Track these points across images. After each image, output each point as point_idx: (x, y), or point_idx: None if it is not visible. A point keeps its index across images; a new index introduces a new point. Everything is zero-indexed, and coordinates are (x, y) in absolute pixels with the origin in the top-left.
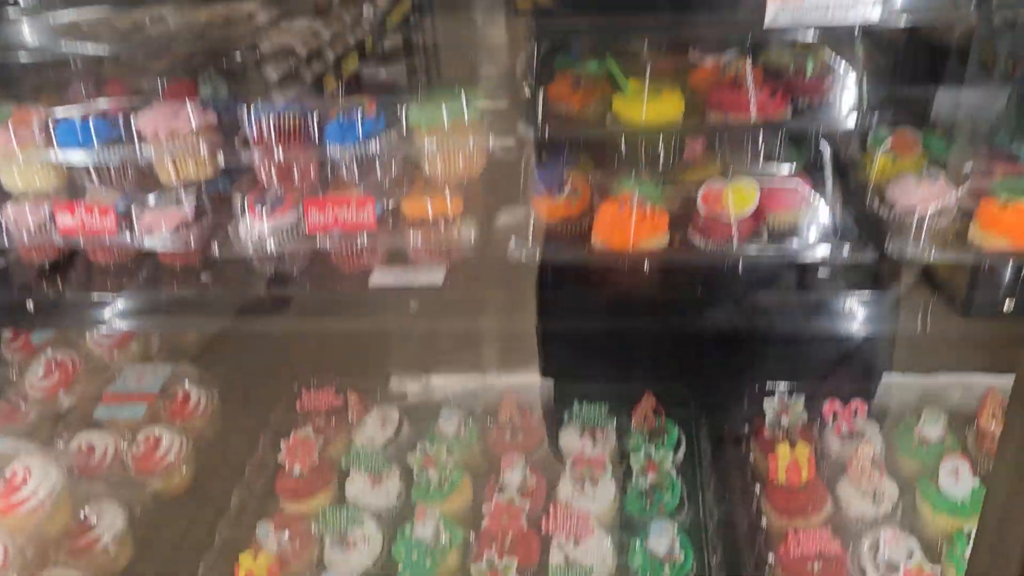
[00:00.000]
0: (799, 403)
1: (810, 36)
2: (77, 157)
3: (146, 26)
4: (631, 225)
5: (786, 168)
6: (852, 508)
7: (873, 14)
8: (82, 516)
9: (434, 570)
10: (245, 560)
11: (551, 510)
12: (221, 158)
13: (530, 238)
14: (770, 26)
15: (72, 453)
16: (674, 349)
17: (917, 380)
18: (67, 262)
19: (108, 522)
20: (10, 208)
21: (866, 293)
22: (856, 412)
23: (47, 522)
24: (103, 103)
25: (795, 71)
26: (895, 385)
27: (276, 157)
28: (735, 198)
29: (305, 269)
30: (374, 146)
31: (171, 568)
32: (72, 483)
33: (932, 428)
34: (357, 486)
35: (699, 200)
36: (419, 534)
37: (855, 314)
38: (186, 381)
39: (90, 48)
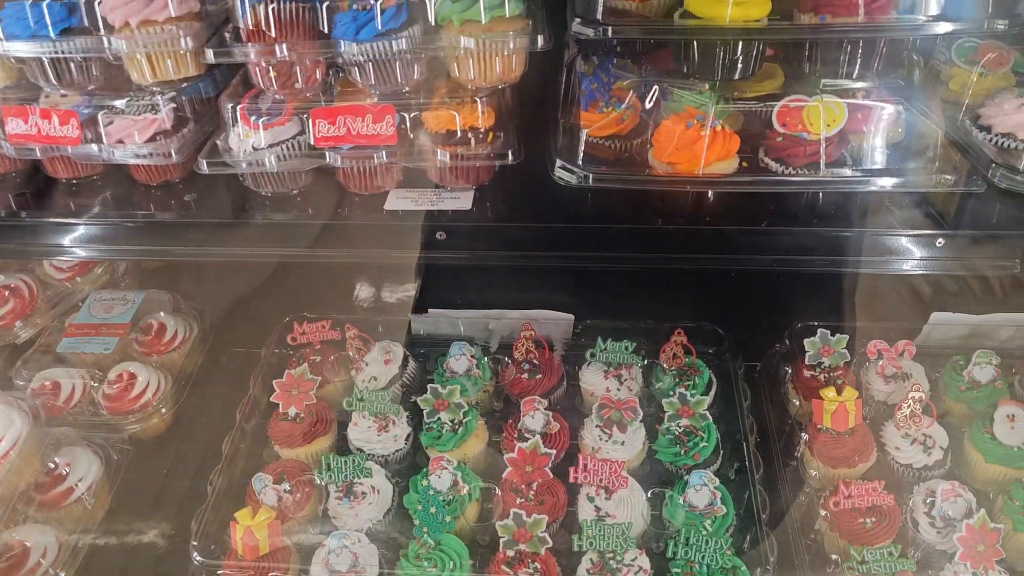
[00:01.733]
0: (842, 342)
1: None
2: (26, 49)
3: None
4: (702, 146)
5: (863, 83)
6: (900, 455)
7: None
8: (52, 465)
9: (454, 524)
10: (243, 518)
11: (578, 459)
12: (207, 55)
13: (580, 158)
14: None
15: (35, 393)
16: (706, 283)
17: (964, 319)
18: (20, 177)
19: (82, 471)
20: None
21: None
22: (904, 352)
23: (13, 475)
24: None
25: None
26: (942, 324)
27: (276, 55)
28: (821, 116)
29: (306, 189)
30: (393, 44)
31: (156, 523)
32: (38, 429)
33: (983, 370)
34: (361, 431)
35: (775, 118)
36: (435, 485)
37: (911, 251)
38: (161, 311)
39: None
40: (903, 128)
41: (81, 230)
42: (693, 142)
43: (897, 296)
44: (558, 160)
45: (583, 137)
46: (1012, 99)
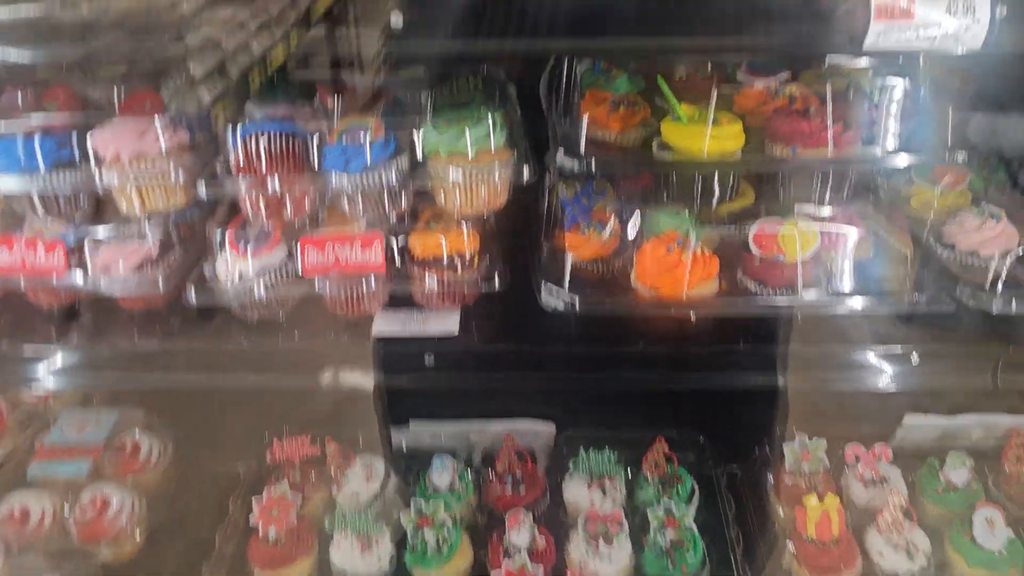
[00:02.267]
0: (820, 446)
1: (863, 61)
2: (16, 184)
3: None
4: (684, 269)
5: (830, 206)
6: (885, 562)
7: (977, 41)
8: None
9: None
10: None
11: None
12: (199, 188)
13: (566, 282)
14: (870, 49)
15: (2, 520)
16: (687, 393)
17: (937, 421)
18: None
19: None
20: None
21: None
22: (880, 456)
23: None
24: (47, 117)
25: (857, 98)
26: (913, 426)
27: (266, 185)
28: (797, 241)
29: (292, 314)
30: (382, 176)
31: None
32: (4, 557)
33: (958, 472)
34: (343, 552)
35: (751, 241)
36: None
37: (886, 366)
38: (136, 429)
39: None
40: (872, 248)
41: (61, 360)
42: (675, 266)
43: (869, 399)
44: (544, 284)
45: (568, 262)
46: (972, 218)
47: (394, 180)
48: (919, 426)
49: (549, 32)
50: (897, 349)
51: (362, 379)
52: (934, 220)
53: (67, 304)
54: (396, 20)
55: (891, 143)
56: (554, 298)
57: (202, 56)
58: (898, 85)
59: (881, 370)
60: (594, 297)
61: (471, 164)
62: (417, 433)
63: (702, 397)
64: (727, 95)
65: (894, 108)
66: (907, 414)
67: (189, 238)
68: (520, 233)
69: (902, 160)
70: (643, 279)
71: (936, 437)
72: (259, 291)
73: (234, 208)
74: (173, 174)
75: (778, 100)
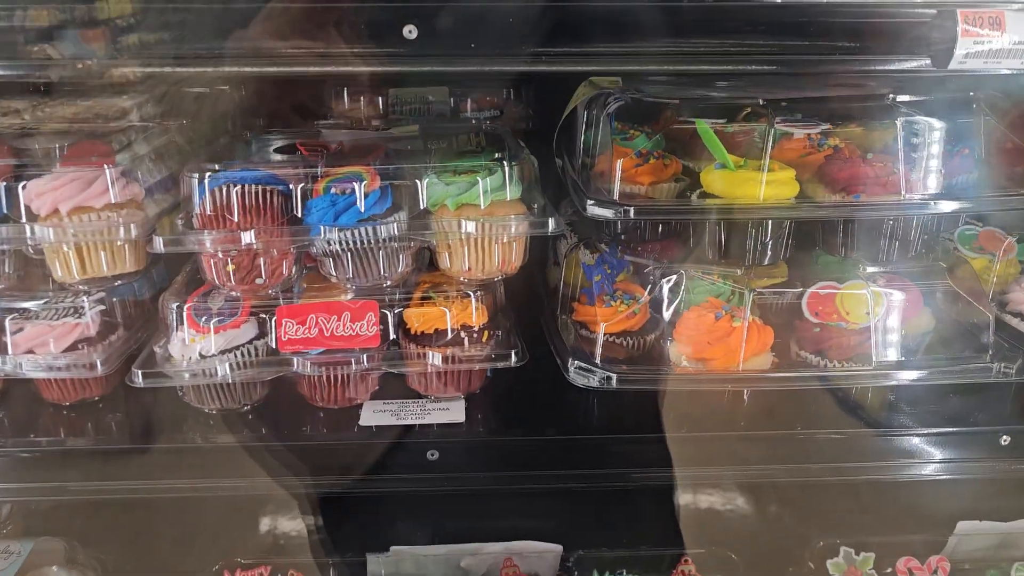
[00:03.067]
0: (868, 562)
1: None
2: None
3: None
4: (739, 339)
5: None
6: None
7: None
8: None
9: None
10: None
11: None
12: (156, 243)
13: (598, 358)
14: (957, 69)
15: None
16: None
17: (993, 527)
18: None
19: None
20: None
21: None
22: (937, 570)
23: None
24: None
25: (913, 143)
26: (969, 535)
27: (240, 243)
28: (856, 303)
29: (259, 404)
30: (380, 230)
31: None
32: None
33: None
34: None
35: (805, 308)
36: None
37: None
38: (54, 564)
39: None
40: (936, 315)
41: None
42: (727, 335)
43: (915, 504)
44: (573, 361)
45: (601, 335)
46: None
47: (392, 235)
48: (974, 533)
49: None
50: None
51: (338, 484)
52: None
53: None
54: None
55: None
56: (586, 374)
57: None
58: (951, 128)
59: (969, 454)
60: (632, 371)
61: (485, 217)
62: (399, 560)
63: (733, 505)
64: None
65: (947, 153)
66: (960, 521)
67: (135, 317)
68: (527, 304)
69: (979, 204)
70: (687, 350)
71: (993, 545)
72: (224, 372)
73: (195, 282)
74: (122, 231)
75: (823, 150)
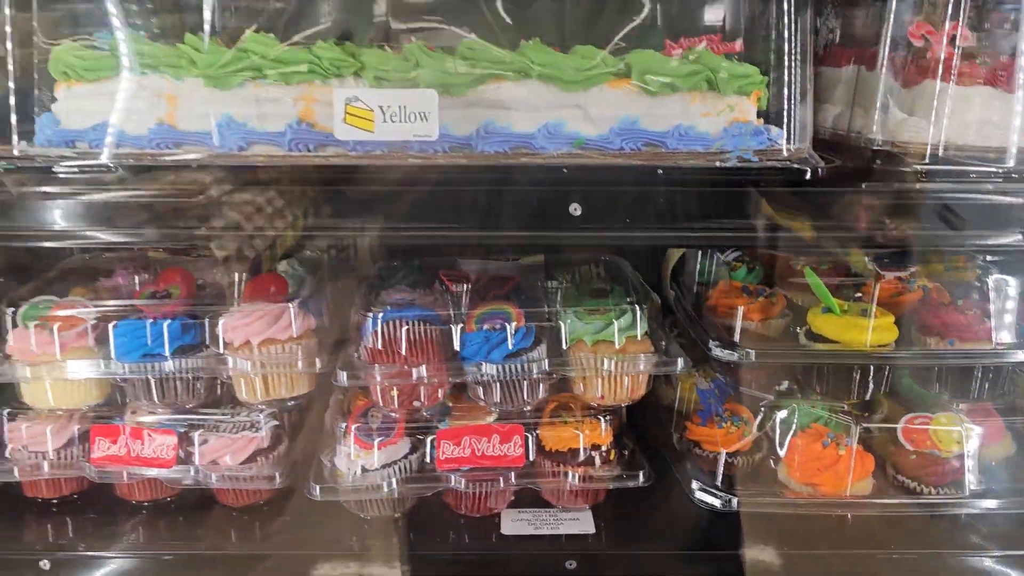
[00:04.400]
0: None
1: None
2: (139, 368)
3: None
4: (846, 466)
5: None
6: None
7: None
8: None
9: None
10: None
11: None
12: (340, 377)
13: (719, 480)
14: None
15: None
16: None
17: None
18: (83, 500)
19: None
20: (24, 428)
21: None
22: None
23: None
24: (170, 301)
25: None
26: None
27: (409, 375)
28: (949, 434)
29: (409, 511)
30: (528, 364)
31: None
32: None
33: None
34: None
35: (901, 436)
36: None
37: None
38: None
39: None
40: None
41: (151, 563)
42: (834, 462)
43: None
44: (695, 482)
45: (722, 460)
46: None
47: (536, 369)
48: None
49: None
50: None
51: None
52: None
53: (159, 499)
54: None
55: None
56: (709, 496)
57: (222, 238)
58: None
59: None
60: (752, 497)
61: (619, 354)
62: None
63: None
64: (852, 286)
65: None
66: None
67: (297, 425)
68: (642, 424)
69: None
70: (796, 474)
71: None
72: (390, 487)
73: (346, 399)
74: (303, 362)
75: (914, 291)
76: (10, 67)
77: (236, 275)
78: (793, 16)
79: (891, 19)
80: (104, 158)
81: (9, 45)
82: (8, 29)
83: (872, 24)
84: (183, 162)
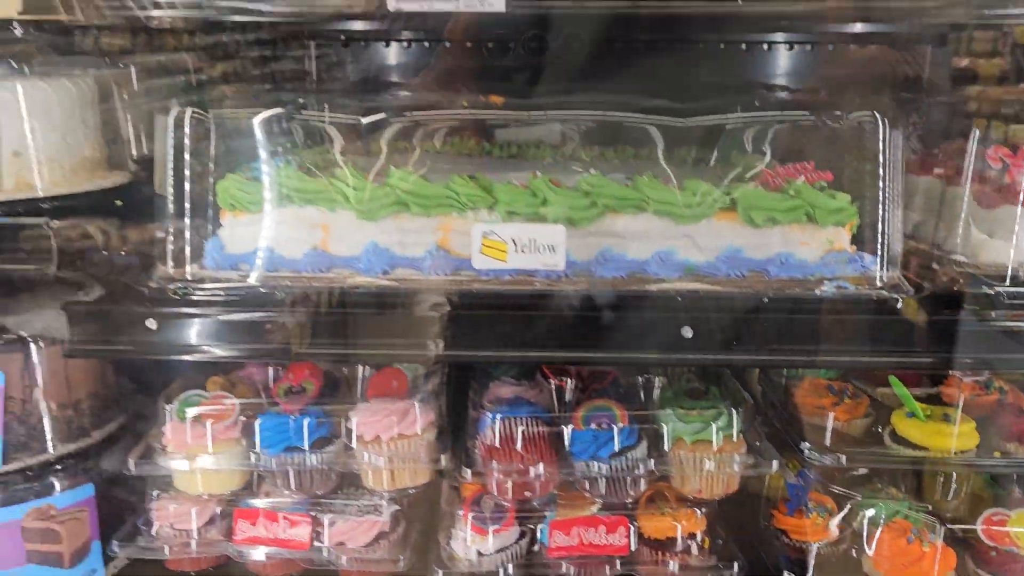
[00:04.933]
0: None
1: None
2: (282, 461)
3: None
4: (930, 561)
5: None
6: None
7: None
8: None
9: None
10: None
11: None
12: (466, 474)
13: (810, 570)
14: None
15: None
16: None
17: None
18: (218, 571)
19: None
20: (171, 507)
21: None
22: None
23: None
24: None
25: None
26: None
27: (526, 472)
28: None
29: None
30: (632, 463)
31: None
32: None
33: None
34: None
35: (981, 531)
36: None
37: None
38: None
39: None
40: None
41: None
42: (919, 558)
43: None
44: (787, 573)
45: (813, 551)
46: None
47: (641, 467)
48: None
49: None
50: None
51: None
52: None
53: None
54: None
55: None
56: None
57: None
58: None
59: None
60: None
61: (717, 454)
62: None
63: None
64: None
65: None
66: None
67: (413, 507)
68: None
69: None
70: (882, 568)
71: None
72: (503, 572)
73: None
74: (426, 455)
75: (991, 393)
76: (187, 205)
77: (361, 371)
78: (888, 147)
79: (974, 142)
80: (260, 280)
81: (187, 186)
82: (187, 172)
83: (954, 139)
84: (335, 285)
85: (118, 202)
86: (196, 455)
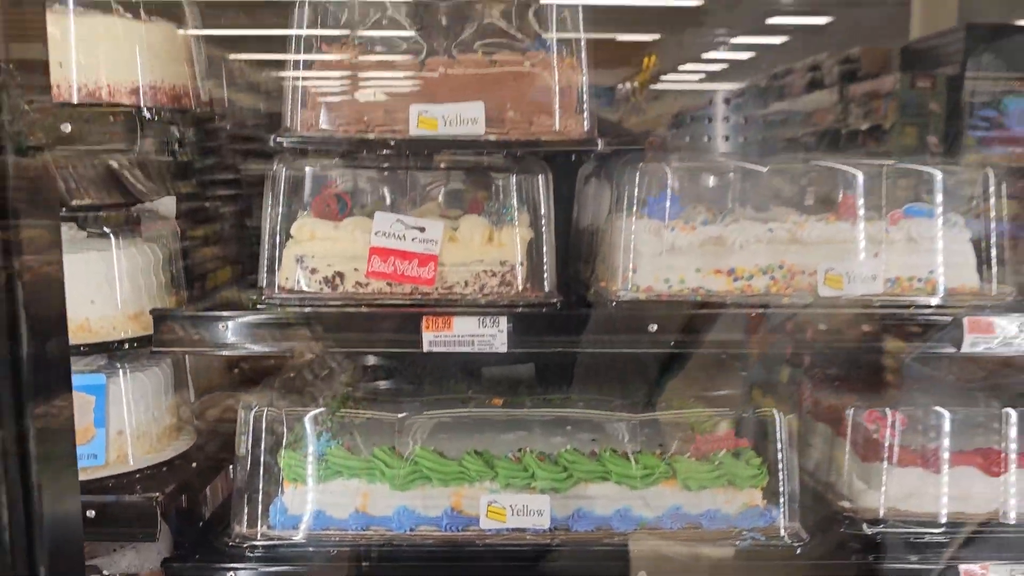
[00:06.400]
0: None
1: None
2: None
3: None
4: None
5: None
6: None
7: None
8: None
9: None
10: None
11: None
12: None
13: None
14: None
15: None
16: None
17: None
18: None
19: None
20: None
21: None
22: None
23: None
24: None
25: None
26: None
27: None
28: None
29: None
30: None
31: None
32: None
33: None
34: None
35: None
36: None
37: None
38: None
39: None
40: None
41: None
42: None
43: None
44: None
45: None
46: None
47: None
48: None
49: None
50: None
51: None
52: None
53: None
54: None
55: None
56: None
57: None
58: None
59: None
60: None
61: None
62: None
63: None
64: None
65: None
66: None
67: None
68: None
69: None
70: None
71: None
72: None
73: None
74: None
75: None
76: (259, 480)
77: None
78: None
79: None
80: (314, 538)
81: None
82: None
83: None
84: (373, 541)
85: (193, 464)
86: None
